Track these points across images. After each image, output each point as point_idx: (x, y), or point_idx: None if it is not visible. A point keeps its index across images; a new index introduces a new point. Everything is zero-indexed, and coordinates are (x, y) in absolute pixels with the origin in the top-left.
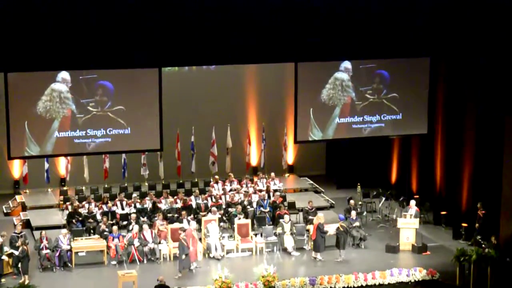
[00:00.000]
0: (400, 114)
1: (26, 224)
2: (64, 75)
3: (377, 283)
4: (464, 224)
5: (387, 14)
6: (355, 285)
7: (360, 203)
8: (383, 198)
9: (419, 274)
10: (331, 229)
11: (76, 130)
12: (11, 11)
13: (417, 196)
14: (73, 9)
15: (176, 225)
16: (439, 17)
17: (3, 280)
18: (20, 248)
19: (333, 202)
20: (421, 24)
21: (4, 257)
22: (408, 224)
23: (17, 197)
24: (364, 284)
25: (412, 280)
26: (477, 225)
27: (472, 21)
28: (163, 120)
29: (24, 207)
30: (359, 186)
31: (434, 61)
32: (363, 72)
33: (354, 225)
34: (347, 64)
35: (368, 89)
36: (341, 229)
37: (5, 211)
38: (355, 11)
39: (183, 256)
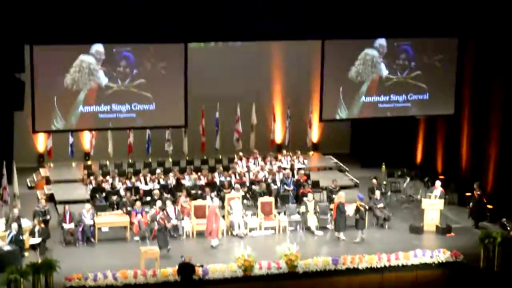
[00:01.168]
0: (427, 94)
1: (50, 198)
2: (98, 47)
3: (400, 264)
4: (489, 206)
5: None
6: (378, 266)
7: (384, 182)
8: (408, 178)
9: (443, 255)
10: (349, 209)
11: (101, 104)
12: None
13: (443, 177)
14: None
15: (199, 201)
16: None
17: (26, 253)
18: (37, 228)
19: (357, 181)
20: (450, 3)
21: (31, 240)
22: (433, 205)
23: (41, 170)
24: (387, 265)
25: (436, 262)
26: (470, 205)
27: (502, 1)
28: (188, 96)
29: (48, 181)
30: (383, 166)
31: (462, 41)
32: (395, 49)
33: (378, 205)
34: (381, 41)
35: (399, 66)
36: (361, 208)
37: (29, 184)
38: None
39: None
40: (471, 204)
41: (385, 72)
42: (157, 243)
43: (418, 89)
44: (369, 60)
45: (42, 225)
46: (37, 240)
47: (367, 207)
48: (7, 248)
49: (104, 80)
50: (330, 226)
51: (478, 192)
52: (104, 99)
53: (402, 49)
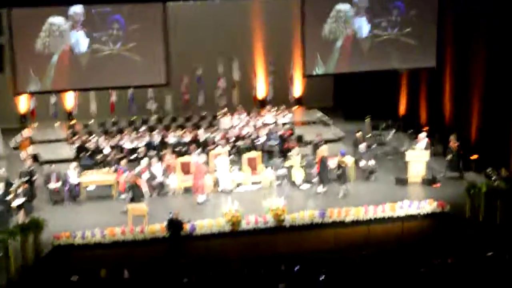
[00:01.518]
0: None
1: (34, 158)
2: (76, 8)
3: (386, 216)
4: (473, 156)
5: None
6: (365, 218)
7: (369, 135)
8: (393, 130)
9: (429, 206)
10: (332, 162)
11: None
12: None
13: (427, 128)
14: None
15: (185, 158)
16: None
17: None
18: (21, 189)
19: (343, 134)
20: None
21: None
22: (418, 157)
23: (25, 131)
24: (373, 217)
25: (422, 213)
26: (448, 157)
27: None
28: (170, 55)
29: (32, 141)
30: (368, 118)
31: None
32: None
33: (362, 157)
34: None
35: (381, 21)
36: (342, 164)
37: (13, 145)
38: None
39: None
40: (449, 156)
41: (366, 27)
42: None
43: (406, 46)
44: (342, 16)
45: (26, 186)
46: (20, 200)
47: (348, 163)
48: None
49: (84, 42)
50: (316, 180)
51: (456, 144)
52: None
53: (394, 6)
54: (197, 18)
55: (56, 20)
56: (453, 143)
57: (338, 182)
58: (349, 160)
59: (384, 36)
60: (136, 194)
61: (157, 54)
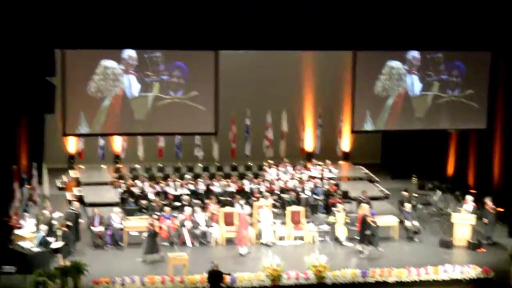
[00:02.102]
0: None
1: (79, 200)
2: (130, 52)
3: (430, 279)
4: None
5: (448, 6)
6: (407, 280)
7: (415, 195)
8: (439, 191)
9: (473, 271)
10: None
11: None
12: None
13: (474, 191)
14: None
15: (229, 208)
16: (502, 12)
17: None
18: (61, 232)
19: (388, 193)
20: (483, 18)
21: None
22: (464, 220)
23: (71, 172)
24: (416, 279)
25: (466, 278)
26: (485, 220)
27: None
28: (219, 102)
29: (78, 183)
30: (414, 178)
31: (495, 56)
32: (429, 62)
33: (407, 217)
34: (415, 53)
35: (434, 80)
36: (372, 224)
37: (59, 185)
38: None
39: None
40: (486, 219)
41: (418, 85)
42: (145, 248)
43: (457, 107)
44: (395, 74)
45: (64, 228)
46: (58, 244)
47: (377, 223)
48: (35, 249)
49: (135, 86)
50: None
51: (492, 206)
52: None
53: (454, 65)
54: (247, 66)
55: (110, 63)
56: (489, 205)
57: (366, 242)
58: (392, 220)
59: (437, 96)
60: (148, 243)
61: (207, 102)
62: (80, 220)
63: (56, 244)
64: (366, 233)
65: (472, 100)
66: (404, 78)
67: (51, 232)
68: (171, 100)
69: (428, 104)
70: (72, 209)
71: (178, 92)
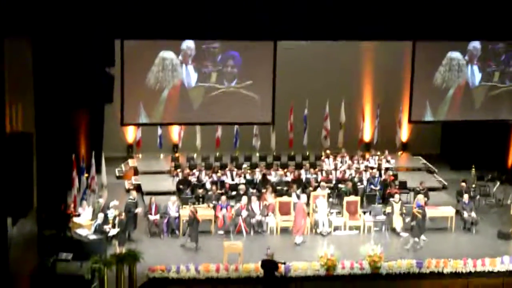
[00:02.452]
0: None
1: (137, 188)
2: (189, 43)
3: (486, 270)
4: None
5: None
6: (463, 271)
7: (473, 186)
8: (498, 182)
9: None
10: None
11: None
12: None
13: None
14: None
15: (284, 198)
16: None
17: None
18: (117, 219)
19: (446, 184)
20: None
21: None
22: None
23: (129, 161)
24: (473, 270)
25: None
26: None
27: None
28: (277, 91)
29: (136, 172)
30: (473, 169)
31: None
32: (490, 53)
33: (465, 208)
34: (476, 44)
35: (494, 70)
36: (418, 215)
37: (117, 174)
38: None
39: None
40: None
41: (478, 76)
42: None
43: None
44: (455, 65)
45: (122, 217)
46: (114, 231)
47: (424, 214)
48: (92, 237)
49: (193, 77)
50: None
51: None
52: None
53: (499, 51)
54: (306, 57)
55: (168, 54)
56: None
57: (411, 233)
58: (449, 211)
59: (496, 87)
60: (191, 231)
61: (265, 92)
62: (138, 209)
63: (112, 231)
64: (412, 224)
65: None
66: (465, 69)
67: (106, 220)
68: (225, 89)
69: (488, 94)
70: (130, 199)
71: (233, 81)
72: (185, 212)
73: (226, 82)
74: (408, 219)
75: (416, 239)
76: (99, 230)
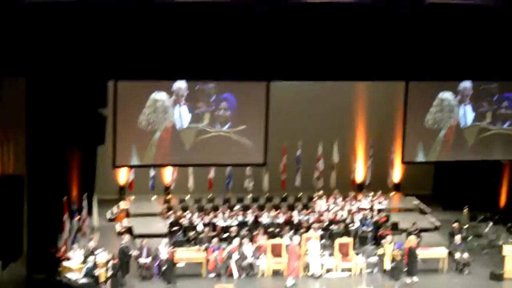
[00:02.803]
0: None
1: (128, 231)
2: (180, 84)
3: None
4: None
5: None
6: None
7: (466, 226)
8: (491, 223)
9: None
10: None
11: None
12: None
13: None
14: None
15: (277, 240)
16: None
17: (102, 287)
18: (111, 263)
19: (438, 224)
20: None
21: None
22: None
23: (121, 203)
24: None
25: None
26: None
27: None
28: (270, 132)
29: (128, 214)
30: (466, 209)
31: None
32: (482, 93)
33: (457, 249)
34: (466, 84)
35: (486, 111)
36: (396, 258)
37: (109, 216)
38: (472, 31)
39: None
40: None
41: (470, 116)
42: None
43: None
44: (446, 106)
45: (115, 261)
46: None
47: (403, 257)
48: (82, 281)
49: (186, 117)
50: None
51: None
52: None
53: (503, 97)
54: (299, 97)
55: (160, 96)
56: None
57: (390, 275)
58: (441, 252)
59: (488, 129)
60: (165, 273)
61: (258, 134)
62: (131, 253)
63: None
64: (392, 266)
65: None
66: (456, 110)
67: (96, 263)
68: (216, 133)
69: (480, 135)
70: (123, 243)
71: (226, 125)
72: (177, 255)
73: (219, 125)
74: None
75: (399, 282)
76: (89, 274)
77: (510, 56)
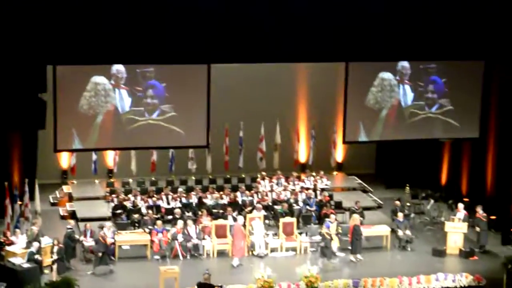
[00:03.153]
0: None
1: (72, 215)
2: (119, 67)
3: None
4: None
5: (442, 16)
6: None
7: (408, 204)
8: (432, 200)
9: (465, 280)
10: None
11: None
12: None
13: (467, 200)
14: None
15: (220, 221)
16: (495, 21)
17: (46, 271)
18: (56, 248)
19: (381, 203)
20: (477, 27)
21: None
22: (456, 228)
23: (64, 187)
24: None
25: (458, 286)
26: (477, 229)
27: None
28: (212, 114)
29: (70, 198)
30: (407, 187)
31: (488, 65)
32: (422, 72)
33: (400, 227)
34: (404, 63)
35: (425, 90)
36: (327, 236)
37: (52, 201)
38: (409, 12)
39: (99, 254)
40: (477, 228)
41: (410, 95)
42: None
43: (450, 117)
44: (387, 85)
45: (60, 245)
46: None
47: (332, 236)
48: (26, 265)
49: (126, 101)
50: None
51: (484, 214)
52: (122, 121)
53: (431, 80)
54: (240, 79)
55: (100, 79)
56: (480, 214)
57: (321, 254)
58: (384, 229)
59: (427, 110)
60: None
61: (199, 116)
62: (77, 237)
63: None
64: (321, 246)
65: (449, 117)
66: (397, 89)
67: (40, 248)
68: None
69: (420, 114)
70: (69, 228)
71: (166, 106)
72: (119, 238)
73: (158, 110)
74: (346, 239)
75: (327, 260)
76: (32, 258)
77: (447, 34)
